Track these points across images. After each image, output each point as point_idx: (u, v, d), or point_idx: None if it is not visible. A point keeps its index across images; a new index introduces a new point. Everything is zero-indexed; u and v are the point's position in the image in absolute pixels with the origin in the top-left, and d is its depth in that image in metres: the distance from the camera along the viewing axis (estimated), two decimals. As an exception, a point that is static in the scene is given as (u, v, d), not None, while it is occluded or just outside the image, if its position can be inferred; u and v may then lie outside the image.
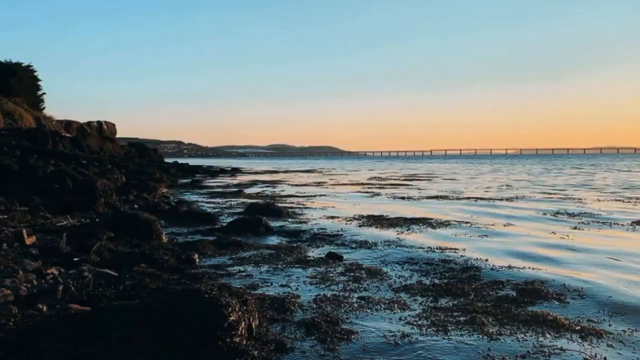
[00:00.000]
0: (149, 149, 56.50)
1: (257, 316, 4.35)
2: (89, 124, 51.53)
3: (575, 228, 11.03)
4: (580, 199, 18.02)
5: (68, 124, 48.88)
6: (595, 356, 4.13)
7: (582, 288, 6.11)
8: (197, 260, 7.49)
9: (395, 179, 33.28)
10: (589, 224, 11.68)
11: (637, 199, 17.81)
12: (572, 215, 13.27)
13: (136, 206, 14.06)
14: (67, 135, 41.22)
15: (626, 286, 6.25)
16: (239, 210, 14.52)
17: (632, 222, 11.70)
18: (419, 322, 4.93)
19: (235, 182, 31.12)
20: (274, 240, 9.51)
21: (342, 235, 10.07)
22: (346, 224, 11.81)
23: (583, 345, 4.35)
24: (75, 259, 6.94)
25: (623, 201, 17.06)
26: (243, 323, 4.07)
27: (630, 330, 4.73)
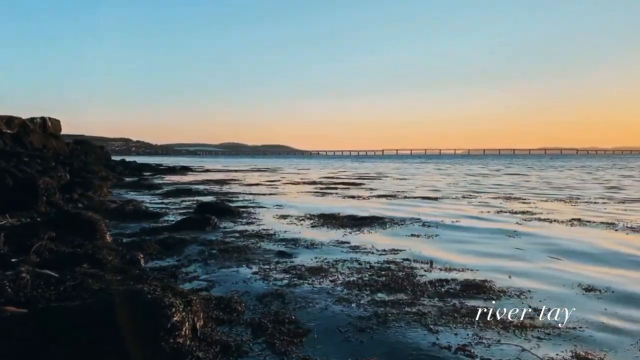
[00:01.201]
0: (95, 146, 54.81)
1: (202, 316, 4.31)
2: (32, 120, 49.46)
3: (517, 224, 11.44)
4: (522, 198, 18.69)
5: (9, 120, 46.70)
6: (531, 349, 4.31)
7: (521, 285, 6.36)
8: (143, 260, 7.34)
9: (346, 178, 33.55)
10: (530, 220, 12.13)
11: (574, 198, 18.62)
12: (514, 213, 13.75)
13: (80, 205, 13.63)
14: (8, 131, 39.50)
15: (562, 283, 6.55)
16: (187, 209, 14.31)
17: (571, 219, 12.22)
18: (364, 315, 5.03)
19: (184, 180, 30.64)
20: (222, 239, 9.43)
21: (292, 234, 10.09)
22: (297, 223, 11.84)
23: (520, 338, 4.54)
24: (13, 260, 6.67)
25: (565, 201, 17.80)
26: (187, 324, 4.03)
27: (562, 325, 4.95)
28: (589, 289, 6.23)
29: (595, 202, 17.01)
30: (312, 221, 12.14)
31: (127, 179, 29.92)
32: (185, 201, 16.89)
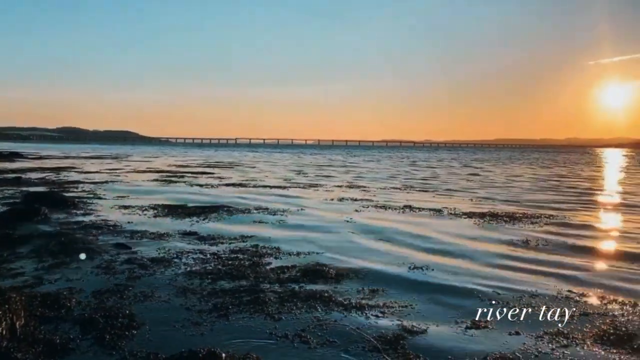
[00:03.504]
0: None
1: (22, 315, 3.97)
2: None
3: (356, 211, 12.11)
4: (364, 187, 19.83)
5: None
6: (366, 323, 4.61)
7: (357, 269, 6.76)
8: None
9: (196, 167, 32.85)
10: (367, 207, 12.91)
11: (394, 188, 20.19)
12: (356, 200, 14.54)
13: None
14: None
15: (398, 265, 7.09)
16: (14, 199, 12.99)
17: (404, 206, 13.24)
18: (203, 308, 4.98)
19: (12, 167, 27.74)
20: (57, 232, 8.70)
21: (134, 225, 9.66)
22: (140, 213, 11.36)
23: (361, 317, 4.83)
24: None
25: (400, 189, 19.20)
26: (4, 323, 3.69)
27: (390, 302, 5.36)
28: (414, 267, 6.81)
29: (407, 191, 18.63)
30: (156, 211, 11.72)
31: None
32: (13, 190, 15.29)
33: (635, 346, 4.22)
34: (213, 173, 26.88)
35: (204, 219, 10.66)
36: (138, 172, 27.11)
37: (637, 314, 5.07)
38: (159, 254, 7.29)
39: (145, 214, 11.25)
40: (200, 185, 18.95)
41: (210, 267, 6.55)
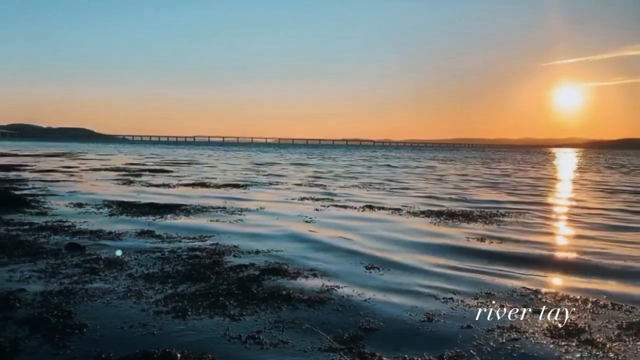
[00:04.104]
0: None
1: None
2: None
3: (316, 210, 12.16)
4: (323, 185, 19.91)
5: None
6: (324, 322, 4.63)
7: (315, 267, 6.79)
8: None
9: (154, 165, 32.27)
10: (328, 207, 12.98)
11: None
12: (316, 199, 14.59)
13: None
14: None
15: (351, 262, 7.15)
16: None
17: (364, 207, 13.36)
18: (159, 309, 4.89)
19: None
20: (5, 233, 8.41)
21: (88, 225, 9.42)
22: (95, 212, 11.09)
23: (320, 311, 4.85)
24: None
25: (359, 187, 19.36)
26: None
27: (347, 300, 5.39)
28: (370, 267, 6.88)
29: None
30: (111, 209, 11.47)
31: None
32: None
33: (583, 339, 4.38)
34: (171, 171, 26.46)
35: (160, 218, 10.47)
36: (94, 170, 26.44)
37: (588, 309, 5.27)
38: (114, 254, 7.12)
39: (100, 213, 10.99)
40: (158, 185, 18.62)
41: (168, 267, 6.44)
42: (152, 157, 46.05)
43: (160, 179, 21.47)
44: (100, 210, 11.43)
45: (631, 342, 4.33)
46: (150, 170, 26.55)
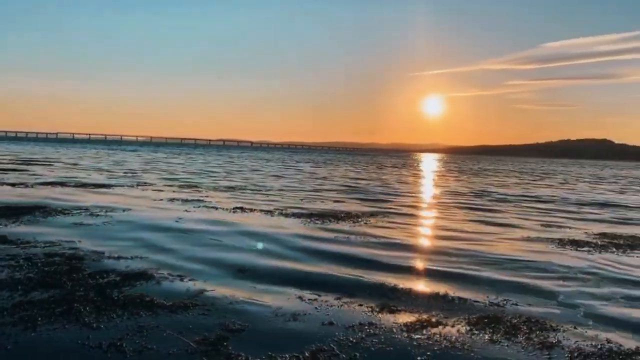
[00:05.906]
0: None
1: None
2: None
3: (186, 211, 11.92)
4: (196, 186, 19.55)
5: None
6: (185, 328, 4.59)
7: (185, 269, 6.68)
8: None
9: (8, 163, 29.50)
10: (199, 207, 12.78)
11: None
12: (185, 200, 14.28)
13: None
14: None
15: (219, 265, 7.14)
16: None
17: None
18: (7, 321, 4.52)
19: None
20: None
21: None
22: None
23: (173, 319, 4.78)
24: None
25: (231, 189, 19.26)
26: None
27: (214, 303, 5.39)
28: (241, 270, 6.90)
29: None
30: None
31: None
32: None
33: (434, 332, 4.80)
34: (27, 170, 24.36)
35: (14, 222, 9.62)
36: None
37: (439, 306, 5.76)
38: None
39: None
40: (13, 185, 17.03)
41: (20, 275, 5.95)
42: (6, 154, 42.01)
43: (14, 176, 19.65)
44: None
45: (478, 335, 4.84)
46: (1, 169, 24.21)
